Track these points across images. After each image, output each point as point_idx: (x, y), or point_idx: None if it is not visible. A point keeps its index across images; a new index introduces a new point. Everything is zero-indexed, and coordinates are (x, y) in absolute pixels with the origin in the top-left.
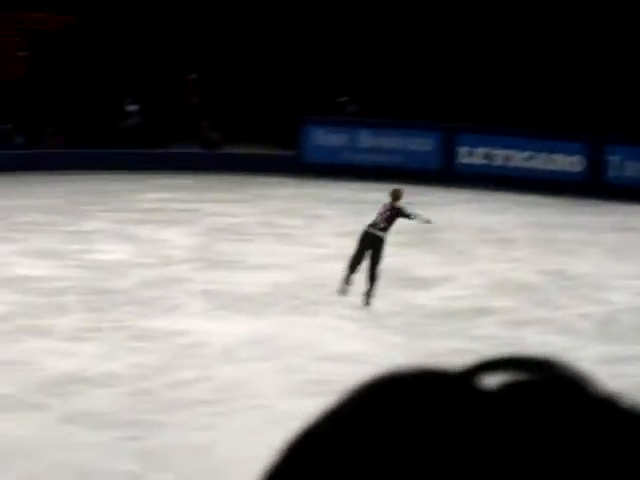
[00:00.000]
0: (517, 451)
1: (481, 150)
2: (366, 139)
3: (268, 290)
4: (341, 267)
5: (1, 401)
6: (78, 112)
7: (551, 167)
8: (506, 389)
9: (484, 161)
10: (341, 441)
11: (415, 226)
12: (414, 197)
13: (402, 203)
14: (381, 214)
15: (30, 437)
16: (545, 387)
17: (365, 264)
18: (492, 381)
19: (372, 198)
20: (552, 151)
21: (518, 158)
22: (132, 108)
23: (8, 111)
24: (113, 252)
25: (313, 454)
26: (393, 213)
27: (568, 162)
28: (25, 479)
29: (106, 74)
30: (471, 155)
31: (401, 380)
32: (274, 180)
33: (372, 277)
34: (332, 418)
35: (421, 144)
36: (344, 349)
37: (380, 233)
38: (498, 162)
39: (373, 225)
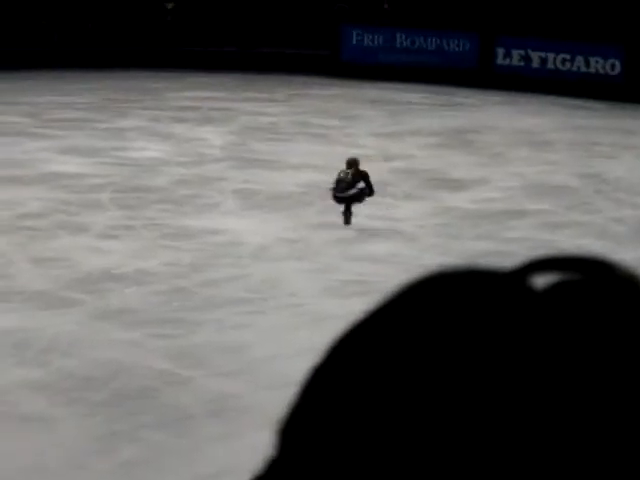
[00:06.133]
0: (574, 349)
1: (518, 52)
2: (403, 40)
3: (303, 190)
4: (379, 167)
5: (36, 297)
6: (114, 9)
7: (588, 70)
8: (558, 288)
9: (521, 63)
10: (390, 339)
11: (450, 127)
12: (451, 98)
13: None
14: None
15: (64, 333)
16: (599, 286)
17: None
18: (542, 280)
19: (408, 99)
20: (589, 54)
21: (556, 60)
22: (170, 6)
23: (44, 9)
24: (148, 150)
25: (361, 352)
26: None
27: (607, 65)
28: (59, 375)
29: None
30: (509, 57)
31: (451, 278)
32: (310, 80)
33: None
34: (379, 316)
35: (458, 45)
36: (379, 250)
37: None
38: (535, 64)
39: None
